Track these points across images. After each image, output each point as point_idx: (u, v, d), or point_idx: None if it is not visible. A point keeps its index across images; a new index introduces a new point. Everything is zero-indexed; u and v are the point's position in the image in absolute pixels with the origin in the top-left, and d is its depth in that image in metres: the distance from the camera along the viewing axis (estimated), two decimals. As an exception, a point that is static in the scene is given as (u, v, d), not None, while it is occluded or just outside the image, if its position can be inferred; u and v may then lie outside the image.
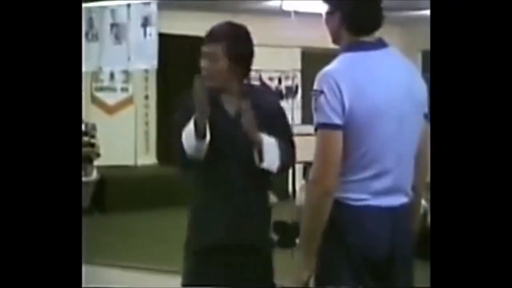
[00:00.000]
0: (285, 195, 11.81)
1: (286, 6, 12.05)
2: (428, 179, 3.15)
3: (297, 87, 14.37)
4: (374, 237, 3.15)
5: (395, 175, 3.15)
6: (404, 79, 3.18)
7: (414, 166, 3.24)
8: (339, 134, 3.06)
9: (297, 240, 9.19)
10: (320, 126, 3.08)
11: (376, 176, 3.14)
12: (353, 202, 3.14)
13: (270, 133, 3.61)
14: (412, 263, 3.33)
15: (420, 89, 3.24)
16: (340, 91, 3.04)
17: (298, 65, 14.37)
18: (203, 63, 3.71)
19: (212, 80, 3.68)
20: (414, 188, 3.26)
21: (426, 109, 3.21)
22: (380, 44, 3.21)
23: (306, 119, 12.52)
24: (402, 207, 3.20)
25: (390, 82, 3.12)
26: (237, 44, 3.69)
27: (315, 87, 3.10)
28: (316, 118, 3.10)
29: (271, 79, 14.55)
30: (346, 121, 3.05)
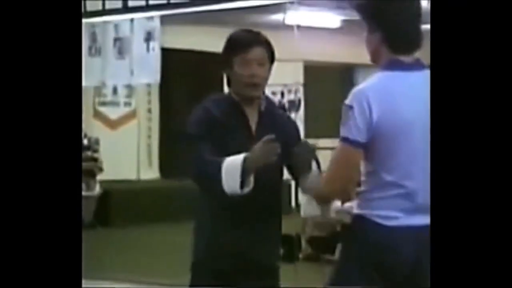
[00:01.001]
0: (289, 209, 11.81)
1: (289, 20, 12.08)
2: None
3: (299, 101, 14.36)
4: (403, 256, 3.15)
5: (423, 193, 3.14)
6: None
7: None
8: (357, 151, 3.11)
9: (300, 255, 9.21)
10: (342, 139, 3.12)
11: (405, 195, 3.15)
12: (382, 220, 3.16)
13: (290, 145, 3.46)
14: None
15: None
16: (370, 110, 3.08)
17: (301, 79, 14.37)
18: (253, 69, 3.51)
19: (258, 88, 3.57)
20: None
21: None
22: (418, 64, 3.23)
23: (309, 132, 12.55)
24: (421, 226, 3.18)
25: (421, 103, 3.12)
26: (270, 50, 3.60)
27: (347, 101, 3.13)
28: (341, 131, 3.14)
29: (274, 93, 14.55)
30: (374, 138, 3.08)
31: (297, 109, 14.37)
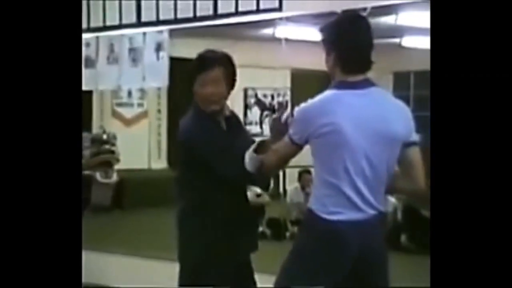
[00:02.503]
0: (277, 195, 11.79)
1: (278, 34, 12.06)
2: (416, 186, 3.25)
3: (287, 102, 14.35)
4: (345, 249, 3.15)
5: (362, 193, 3.15)
6: (379, 113, 3.17)
7: (402, 178, 3.28)
8: (292, 147, 3.25)
9: (288, 234, 9.21)
10: (288, 135, 3.26)
11: (344, 193, 3.15)
12: (327, 215, 3.15)
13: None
14: (387, 270, 3.31)
15: (401, 122, 3.23)
16: (308, 122, 3.17)
17: (288, 84, 14.35)
18: (209, 88, 3.51)
19: (217, 104, 3.56)
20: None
21: (410, 137, 3.23)
22: (367, 83, 3.22)
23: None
24: (371, 220, 3.18)
25: (362, 115, 3.13)
26: (230, 69, 3.61)
27: (294, 111, 3.26)
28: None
29: (265, 96, 14.55)
30: (315, 144, 3.18)
31: (285, 110, 14.36)
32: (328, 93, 3.22)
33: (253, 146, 3.44)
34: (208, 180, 3.51)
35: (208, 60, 3.56)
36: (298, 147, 3.25)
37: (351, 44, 3.19)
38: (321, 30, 3.31)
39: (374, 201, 3.17)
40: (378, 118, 3.15)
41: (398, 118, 3.22)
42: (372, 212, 3.17)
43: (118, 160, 12.25)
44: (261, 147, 3.43)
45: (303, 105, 3.24)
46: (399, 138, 3.20)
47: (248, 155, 3.41)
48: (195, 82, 3.54)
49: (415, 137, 3.26)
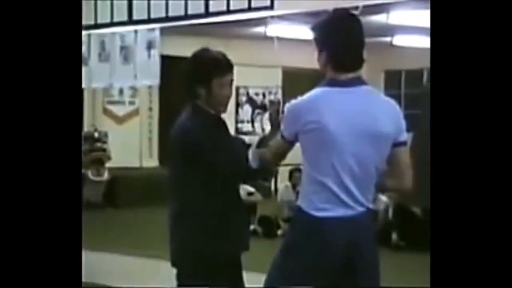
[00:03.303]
0: (269, 194, 11.80)
1: (270, 33, 12.06)
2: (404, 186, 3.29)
3: (279, 101, 14.35)
4: (332, 244, 3.15)
5: (350, 191, 3.16)
6: (368, 112, 3.18)
7: (390, 177, 3.29)
8: (285, 143, 3.29)
9: (279, 232, 9.22)
10: (279, 132, 3.31)
11: (331, 191, 3.15)
12: (314, 212, 3.15)
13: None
14: (377, 266, 3.31)
15: (390, 121, 3.23)
16: (297, 119, 3.18)
17: (280, 82, 14.35)
18: (227, 91, 3.58)
19: (227, 105, 3.65)
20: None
21: (399, 137, 3.23)
22: (357, 81, 3.22)
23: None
24: (359, 216, 3.20)
25: (350, 113, 3.14)
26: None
27: (285, 107, 3.27)
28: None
29: (257, 94, 14.55)
30: (304, 140, 3.19)
31: (278, 106, 14.34)
32: (317, 90, 3.21)
33: (255, 142, 3.50)
34: (208, 179, 3.50)
35: (224, 62, 3.58)
36: (289, 143, 3.27)
37: (342, 42, 3.19)
38: (313, 28, 3.31)
39: (362, 198, 3.18)
40: (366, 116, 3.16)
41: (388, 117, 3.22)
42: (360, 209, 3.17)
43: (109, 158, 12.25)
44: (262, 143, 3.49)
45: (292, 101, 3.24)
46: (388, 136, 3.20)
47: (252, 152, 3.47)
48: (208, 84, 3.54)
49: (405, 137, 3.26)
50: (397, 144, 3.22)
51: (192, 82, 3.56)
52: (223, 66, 3.56)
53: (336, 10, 3.29)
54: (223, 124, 3.69)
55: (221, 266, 3.55)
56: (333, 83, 3.19)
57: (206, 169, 3.47)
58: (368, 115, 3.16)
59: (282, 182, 10.46)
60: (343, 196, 3.14)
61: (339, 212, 3.13)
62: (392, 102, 3.31)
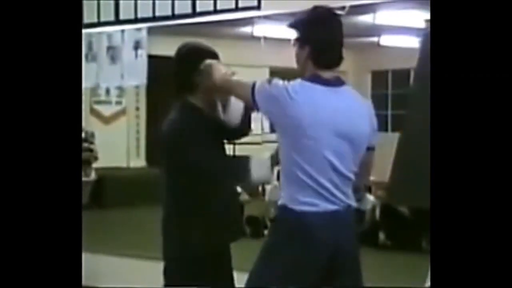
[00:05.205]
0: (256, 194, 11.80)
1: (257, 33, 12.07)
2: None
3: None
4: (318, 238, 3.16)
5: (332, 187, 3.18)
6: (348, 111, 3.20)
7: (359, 174, 3.30)
8: (253, 102, 3.22)
9: (265, 232, 9.23)
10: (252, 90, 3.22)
11: (312, 187, 3.16)
12: (297, 207, 3.16)
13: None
14: (359, 263, 3.32)
15: (368, 122, 3.28)
16: (276, 105, 3.14)
17: (267, 82, 14.37)
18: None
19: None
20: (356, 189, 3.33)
21: (372, 140, 3.29)
22: (338, 82, 3.24)
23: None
24: (339, 213, 3.21)
25: (328, 112, 3.15)
26: None
27: (273, 82, 3.20)
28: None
29: (244, 94, 14.54)
30: (283, 136, 3.17)
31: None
32: (302, 84, 3.18)
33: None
34: (202, 175, 3.49)
35: (210, 49, 3.61)
36: (255, 108, 3.25)
37: (326, 38, 3.20)
38: (295, 24, 3.32)
39: (342, 195, 3.20)
40: (347, 115, 3.18)
41: (366, 118, 3.28)
42: (342, 204, 3.19)
43: (96, 158, 12.22)
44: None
45: (280, 82, 3.17)
46: (365, 137, 3.24)
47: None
48: (196, 71, 3.52)
49: (374, 141, 3.32)
50: (369, 148, 3.28)
51: (181, 72, 3.57)
52: (210, 52, 3.57)
53: (317, 7, 3.29)
54: (214, 121, 3.63)
55: (209, 256, 3.55)
56: (315, 80, 3.19)
57: (188, 165, 3.45)
58: (348, 115, 3.18)
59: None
60: (324, 192, 3.15)
61: (322, 207, 3.15)
62: (369, 103, 3.36)
